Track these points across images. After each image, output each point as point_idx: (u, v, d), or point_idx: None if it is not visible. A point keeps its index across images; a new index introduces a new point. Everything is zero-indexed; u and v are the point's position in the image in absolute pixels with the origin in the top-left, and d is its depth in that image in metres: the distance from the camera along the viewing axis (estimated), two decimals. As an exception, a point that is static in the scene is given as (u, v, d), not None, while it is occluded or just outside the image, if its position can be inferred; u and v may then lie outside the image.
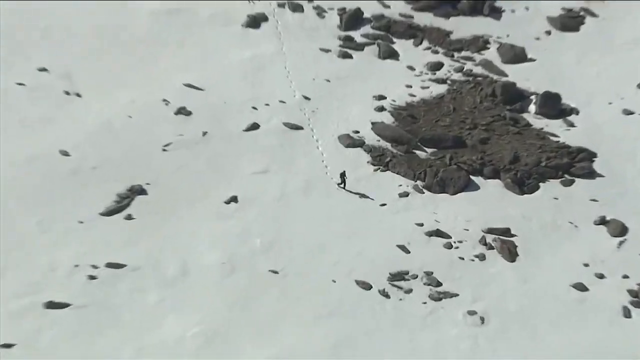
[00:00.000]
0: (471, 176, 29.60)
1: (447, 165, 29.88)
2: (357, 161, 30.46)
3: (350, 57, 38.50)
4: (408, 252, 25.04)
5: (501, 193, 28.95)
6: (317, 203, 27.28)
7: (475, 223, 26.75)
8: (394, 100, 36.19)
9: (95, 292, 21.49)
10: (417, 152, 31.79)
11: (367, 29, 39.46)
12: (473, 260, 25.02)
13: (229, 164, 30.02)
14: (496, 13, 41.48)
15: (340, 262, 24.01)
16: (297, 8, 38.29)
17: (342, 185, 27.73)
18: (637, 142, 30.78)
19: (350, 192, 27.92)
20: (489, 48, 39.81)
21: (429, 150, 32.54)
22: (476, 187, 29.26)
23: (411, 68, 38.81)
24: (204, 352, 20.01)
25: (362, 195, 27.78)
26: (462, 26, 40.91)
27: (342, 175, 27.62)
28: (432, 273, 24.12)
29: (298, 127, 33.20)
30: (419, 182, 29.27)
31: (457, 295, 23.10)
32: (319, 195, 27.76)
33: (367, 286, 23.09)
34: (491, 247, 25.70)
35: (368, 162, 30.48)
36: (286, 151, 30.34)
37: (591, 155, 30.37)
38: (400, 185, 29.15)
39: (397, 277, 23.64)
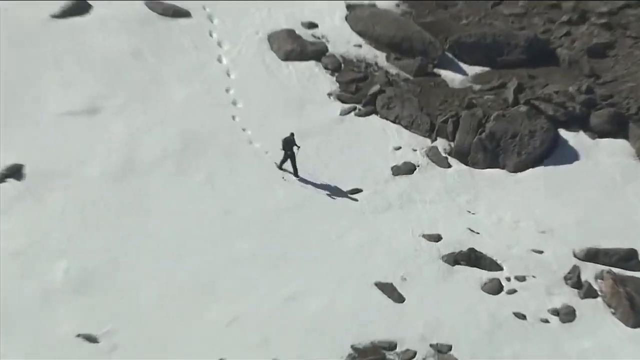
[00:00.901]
0: (561, 130, 30.06)
1: (508, 106, 29.95)
2: (307, 92, 31.45)
3: None
4: (401, 299, 24.89)
5: (626, 170, 29.43)
6: (202, 188, 27.68)
7: (558, 237, 27.08)
8: (403, -46, 35.69)
9: None
10: (443, 72, 32.41)
11: None
12: (547, 322, 24.74)
13: (13, 95, 29.69)
14: None
15: (242, 319, 23.73)
16: None
17: (282, 167, 28.56)
18: None
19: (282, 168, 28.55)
20: None
21: (470, 69, 32.76)
22: (570, 156, 29.67)
23: None
24: None
25: (307, 181, 28.26)
26: None
27: (288, 142, 27.95)
28: (451, 348, 23.77)
29: (179, 13, 33.37)
30: (439, 142, 29.52)
31: (501, 400, 22.70)
32: (210, 170, 28.16)
33: (301, 374, 22.29)
34: (591, 293, 25.71)
35: (331, 94, 31.55)
36: (145, 66, 31.12)
37: None
38: (399, 149, 29.67)
39: (369, 354, 23.32)
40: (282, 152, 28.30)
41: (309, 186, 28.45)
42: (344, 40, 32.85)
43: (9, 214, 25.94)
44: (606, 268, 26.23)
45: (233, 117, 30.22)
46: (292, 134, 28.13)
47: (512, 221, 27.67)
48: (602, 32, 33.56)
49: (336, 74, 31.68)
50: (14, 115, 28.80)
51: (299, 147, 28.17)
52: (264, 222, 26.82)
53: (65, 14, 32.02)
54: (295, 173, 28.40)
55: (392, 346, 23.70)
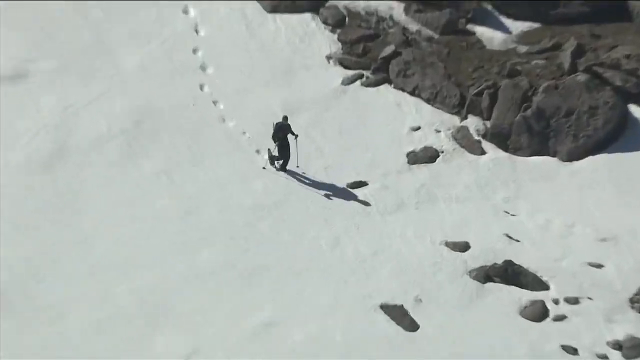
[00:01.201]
0: (631, 106, 30.55)
1: (563, 74, 30.24)
2: (299, 54, 31.60)
3: None
4: (414, 327, 24.18)
5: None
6: (156, 180, 27.83)
7: (624, 246, 26.81)
8: None
9: None
10: (479, 29, 32.61)
11: None
12: (605, 358, 23.69)
13: None
14: None
15: (204, 351, 22.95)
16: None
17: (276, 164, 28.90)
18: None
19: (275, 163, 28.97)
20: None
21: (515, 25, 32.95)
22: (645, 140, 29.47)
23: None
24: None
25: (293, 171, 28.59)
26: None
27: (282, 129, 28.20)
28: (478, 395, 23.28)
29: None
30: (470, 121, 29.86)
31: None
32: (167, 157, 28.42)
33: None
34: (669, 324, 24.76)
35: (330, 57, 31.71)
36: (88, 21, 31.72)
37: None
38: (418, 129, 29.96)
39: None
40: (274, 143, 28.18)
41: (296, 178, 28.50)
42: (350, -13, 33.18)
43: None
44: (694, 295, 25.79)
45: (201, 87, 30.57)
46: (286, 118, 28.18)
47: (563, 225, 27.33)
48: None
49: (338, 31, 32.00)
50: None
51: (296, 135, 28.07)
52: (235, 225, 26.63)
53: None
54: (284, 166, 28.46)
55: (394, 392, 23.59)
